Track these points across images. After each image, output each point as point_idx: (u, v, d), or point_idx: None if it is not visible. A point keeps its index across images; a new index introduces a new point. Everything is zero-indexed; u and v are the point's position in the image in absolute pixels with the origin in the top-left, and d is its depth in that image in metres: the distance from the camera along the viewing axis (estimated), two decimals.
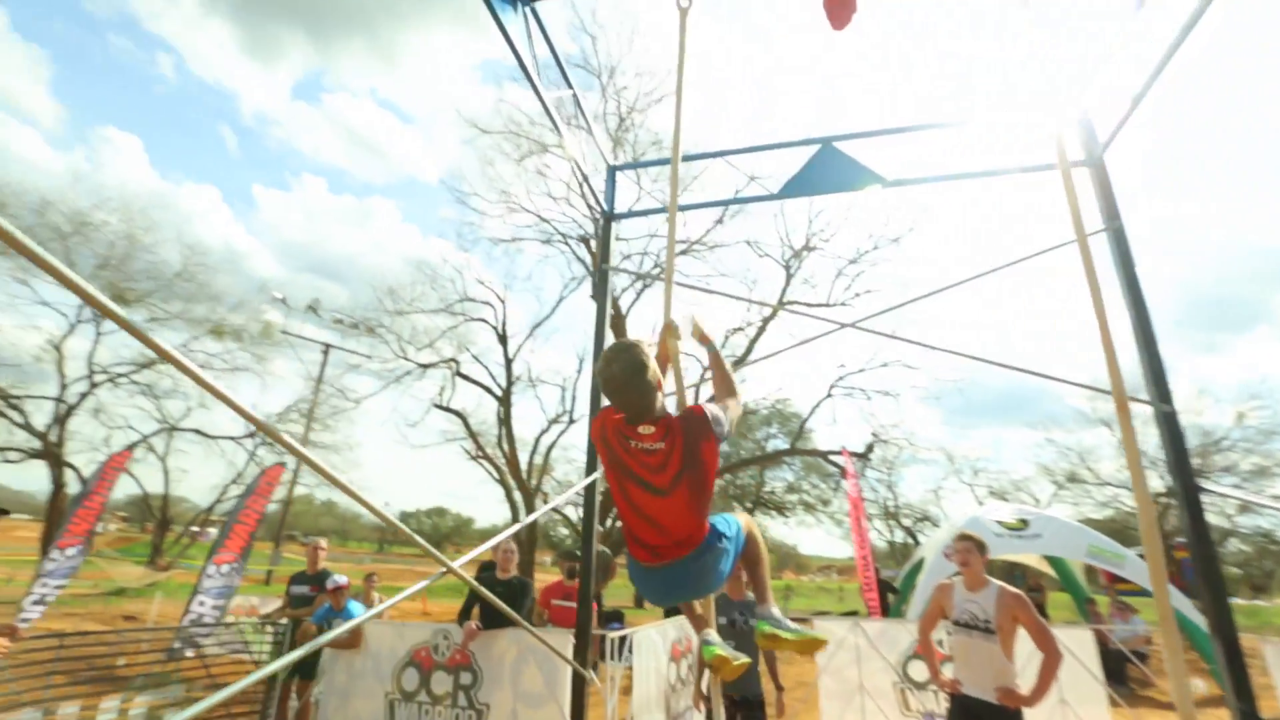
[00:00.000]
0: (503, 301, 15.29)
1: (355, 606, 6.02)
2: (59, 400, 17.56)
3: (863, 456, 13.79)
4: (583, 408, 16.36)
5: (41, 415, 17.50)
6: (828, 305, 12.98)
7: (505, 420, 15.16)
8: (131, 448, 13.63)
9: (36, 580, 8.90)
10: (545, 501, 19.93)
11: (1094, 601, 11.99)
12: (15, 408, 17.69)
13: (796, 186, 5.02)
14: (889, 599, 10.69)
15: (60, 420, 17.67)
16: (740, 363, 13.45)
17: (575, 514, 18.54)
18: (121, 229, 18.19)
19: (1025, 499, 21.13)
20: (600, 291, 5.20)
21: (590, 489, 4.50)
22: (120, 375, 19.03)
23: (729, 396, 2.30)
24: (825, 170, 4.95)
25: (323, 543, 6.86)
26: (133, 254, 18.40)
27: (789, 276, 12.90)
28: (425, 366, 15.66)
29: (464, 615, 5.21)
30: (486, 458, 16.50)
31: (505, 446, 15.22)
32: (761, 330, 13.07)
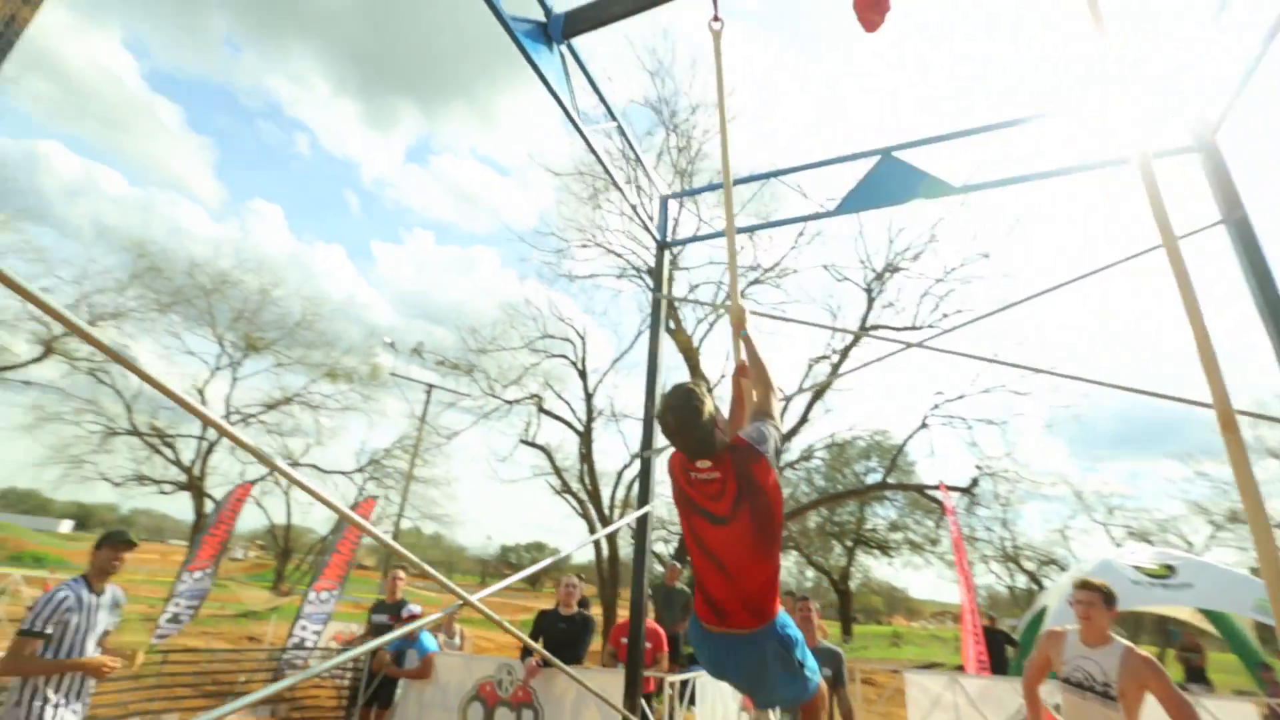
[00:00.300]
0: (582, 338, 15.68)
1: (427, 638, 6.15)
2: (201, 438, 19.86)
3: (966, 491, 12.53)
4: (661, 440, 16.21)
5: (188, 452, 19.88)
6: (914, 328, 12.11)
7: (586, 455, 15.32)
8: (254, 482, 15.09)
9: (170, 600, 9.90)
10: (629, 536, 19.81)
11: (1270, 668, 10.03)
12: (170, 445, 20.21)
13: (856, 201, 4.76)
14: (1007, 652, 9.50)
15: (202, 456, 19.94)
16: (822, 392, 12.85)
17: (665, 549, 18.23)
18: (254, 285, 20.63)
19: (1174, 541, 18.31)
20: (655, 320, 5.14)
21: (642, 521, 4.36)
22: (251, 415, 21.25)
23: (764, 389, 2.31)
24: (886, 182, 4.67)
25: (401, 573, 7.10)
26: (263, 306, 20.72)
27: (870, 300, 12.24)
28: (511, 403, 16.22)
29: (527, 650, 5.17)
30: (570, 492, 16.70)
31: (587, 481, 15.35)
32: (843, 357, 12.40)
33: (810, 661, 2.11)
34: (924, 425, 12.86)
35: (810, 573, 33.32)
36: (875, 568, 31.94)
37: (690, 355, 12.66)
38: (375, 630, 6.75)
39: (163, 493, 19.57)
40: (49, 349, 16.29)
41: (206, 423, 1.39)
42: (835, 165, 5.02)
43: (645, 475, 4.52)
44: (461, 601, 2.54)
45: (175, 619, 9.90)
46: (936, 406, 12.82)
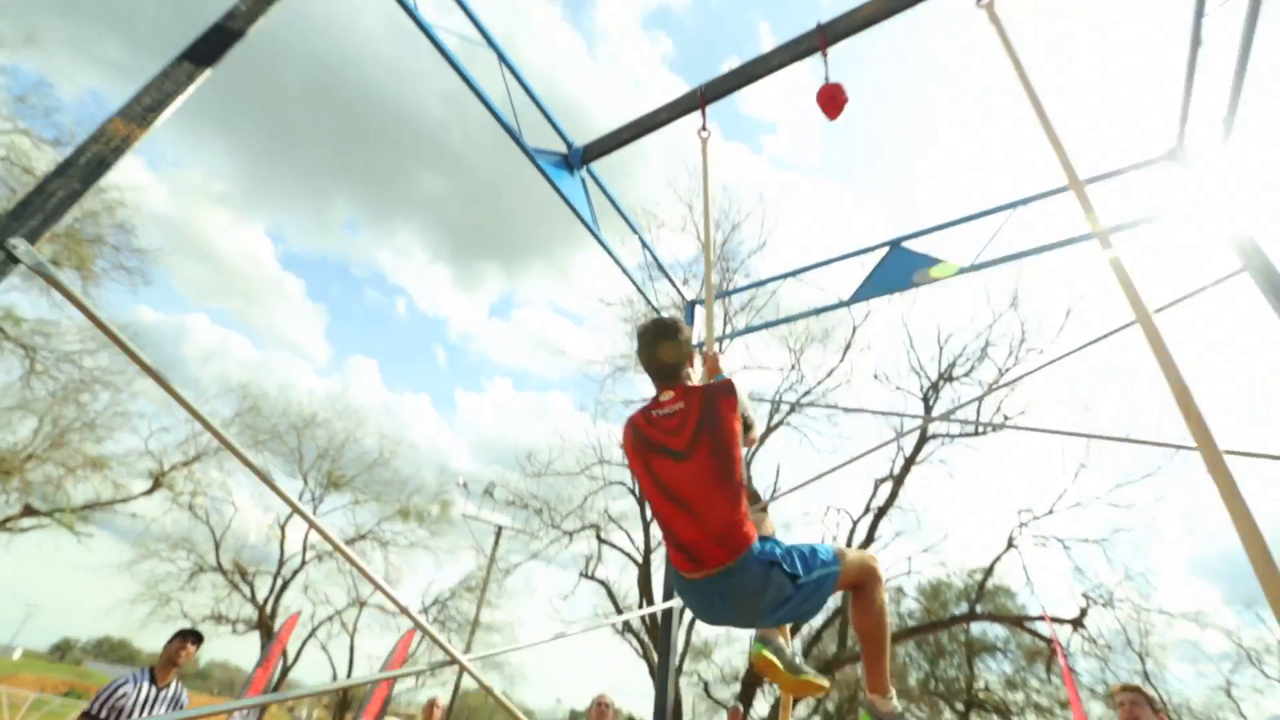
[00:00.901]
0: None
1: None
2: (276, 575, 20.46)
3: (1075, 624, 10.75)
4: None
5: (263, 589, 20.41)
6: (977, 434, 11.34)
7: (645, 586, 14.59)
8: (301, 618, 15.16)
9: None
10: (691, 679, 18.00)
11: None
12: (248, 582, 20.88)
13: (870, 289, 4.93)
14: None
15: (276, 594, 20.38)
16: (882, 513, 11.97)
17: (727, 692, 16.34)
18: (340, 426, 22.32)
19: None
20: None
21: (667, 615, 4.14)
22: (326, 553, 21.82)
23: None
24: (896, 270, 4.84)
25: (440, 700, 6.80)
26: (346, 445, 22.17)
27: (928, 408, 11.66)
28: (570, 533, 16.01)
29: None
30: (631, 632, 15.72)
31: (645, 619, 14.43)
32: (906, 469, 11.64)
33: (819, 553, 1.92)
34: (1011, 546, 11.56)
35: None
36: None
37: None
38: None
39: (235, 632, 19.89)
40: (157, 482, 17.89)
41: (240, 457, 1.63)
42: (849, 259, 5.26)
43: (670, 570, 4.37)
44: (451, 659, 2.51)
45: None
46: (1024, 525, 11.59)
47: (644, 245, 5.33)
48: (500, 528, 21.98)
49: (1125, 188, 4.26)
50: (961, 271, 4.51)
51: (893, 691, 2.02)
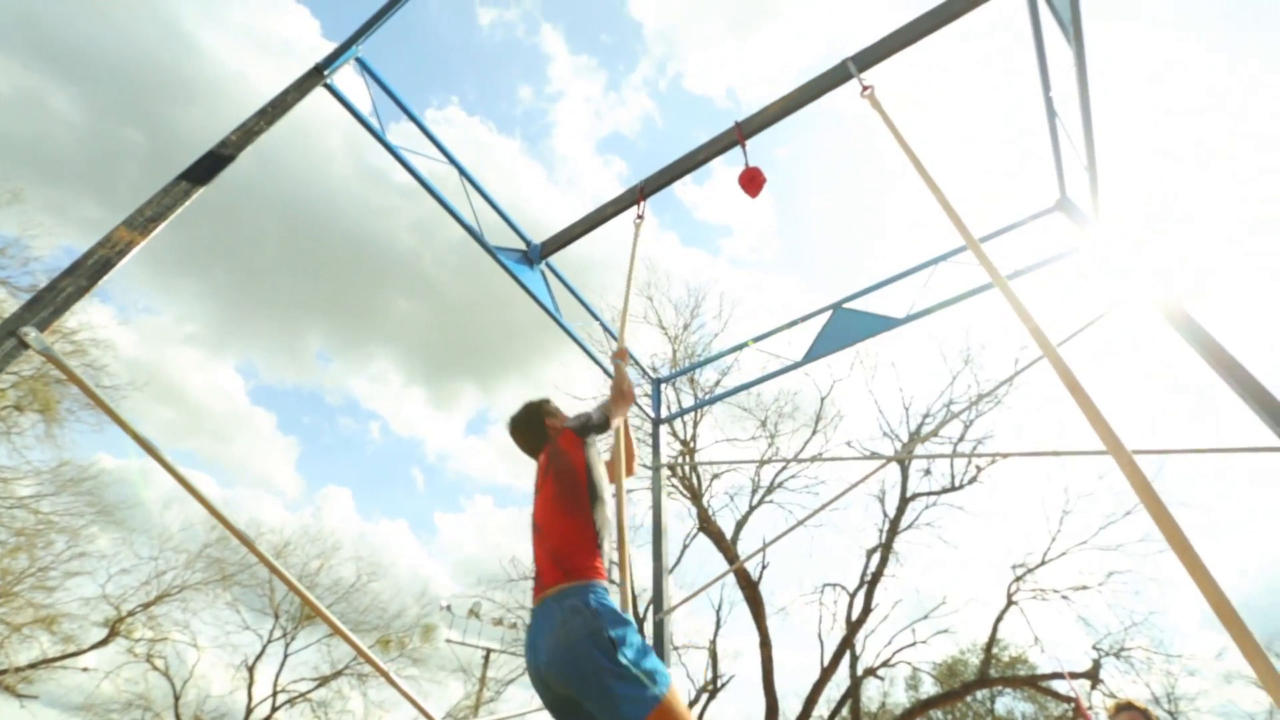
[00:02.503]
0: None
1: None
2: None
3: (1091, 678, 10.32)
4: (728, 667, 14.46)
5: None
6: (954, 489, 11.41)
7: None
8: None
9: None
10: None
11: None
12: None
13: (817, 349, 5.28)
14: None
15: None
16: (875, 581, 11.75)
17: None
18: (313, 551, 21.42)
19: None
20: (655, 489, 5.38)
21: None
22: (299, 695, 20.12)
23: (611, 404, 2.40)
24: (841, 329, 5.22)
25: None
26: (320, 572, 21.13)
27: (905, 471, 11.80)
28: None
29: None
30: None
31: None
32: (893, 533, 11.55)
33: (648, 664, 1.70)
34: (1011, 604, 11.30)
35: None
36: None
37: (722, 544, 12.07)
38: None
39: None
40: (114, 631, 16.61)
41: (265, 563, 1.78)
42: (799, 325, 5.64)
43: (660, 637, 4.33)
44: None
45: None
46: (1020, 579, 11.41)
47: (604, 329, 5.67)
48: (489, 650, 20.71)
49: (1030, 235, 4.79)
50: (898, 324, 4.91)
51: None
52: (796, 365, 5.38)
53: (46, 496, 15.93)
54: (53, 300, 1.84)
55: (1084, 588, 11.27)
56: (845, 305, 5.36)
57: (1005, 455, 4.04)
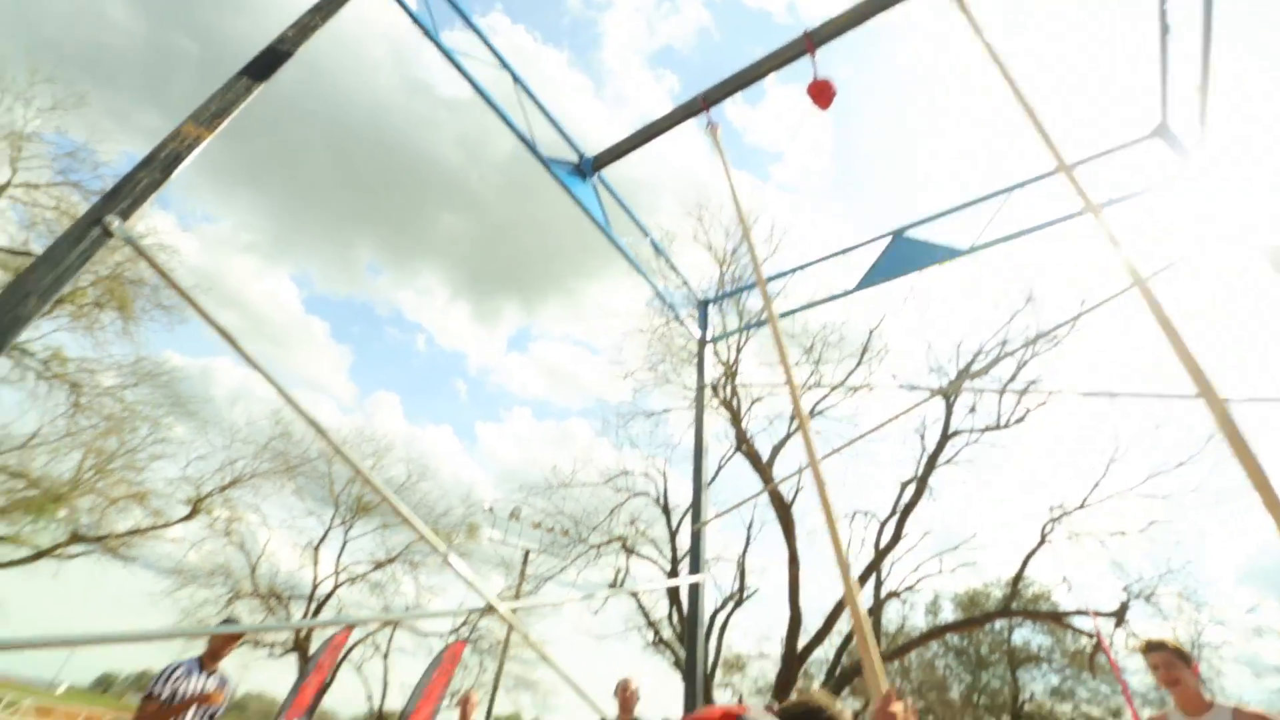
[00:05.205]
0: (663, 475, 15.75)
1: None
2: (310, 599, 20.80)
3: (1117, 619, 10.40)
4: (754, 581, 15.18)
5: (298, 611, 20.77)
6: (1000, 428, 11.19)
7: (674, 598, 14.57)
8: (352, 626, 15.39)
9: None
10: (725, 690, 17.77)
11: None
12: (285, 607, 21.26)
13: (873, 276, 5.10)
14: None
15: (309, 616, 20.69)
16: (908, 512, 11.85)
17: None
18: (368, 450, 22.88)
19: None
20: (699, 410, 5.44)
21: (695, 589, 4.27)
22: (359, 575, 22.18)
23: None
24: (899, 258, 5.01)
25: (475, 695, 6.94)
26: (374, 471, 22.64)
27: (949, 407, 11.61)
28: (597, 546, 16.11)
29: None
30: (664, 643, 15.67)
31: (675, 626, 14.42)
32: (930, 468, 11.51)
33: None
34: (1045, 541, 11.31)
35: None
36: None
37: (758, 466, 12.34)
38: None
39: (272, 655, 20.19)
40: (195, 508, 18.45)
41: (319, 433, 1.89)
42: (856, 250, 5.43)
43: (697, 546, 4.53)
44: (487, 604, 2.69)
45: None
46: (1056, 520, 11.35)
47: (655, 247, 5.58)
48: (528, 550, 22.12)
49: (1121, 164, 4.39)
50: (961, 254, 4.67)
51: None
52: (849, 292, 5.22)
53: (128, 387, 17.30)
54: (131, 191, 1.90)
55: (1122, 533, 11.15)
56: (906, 233, 5.12)
57: (1072, 393, 3.87)
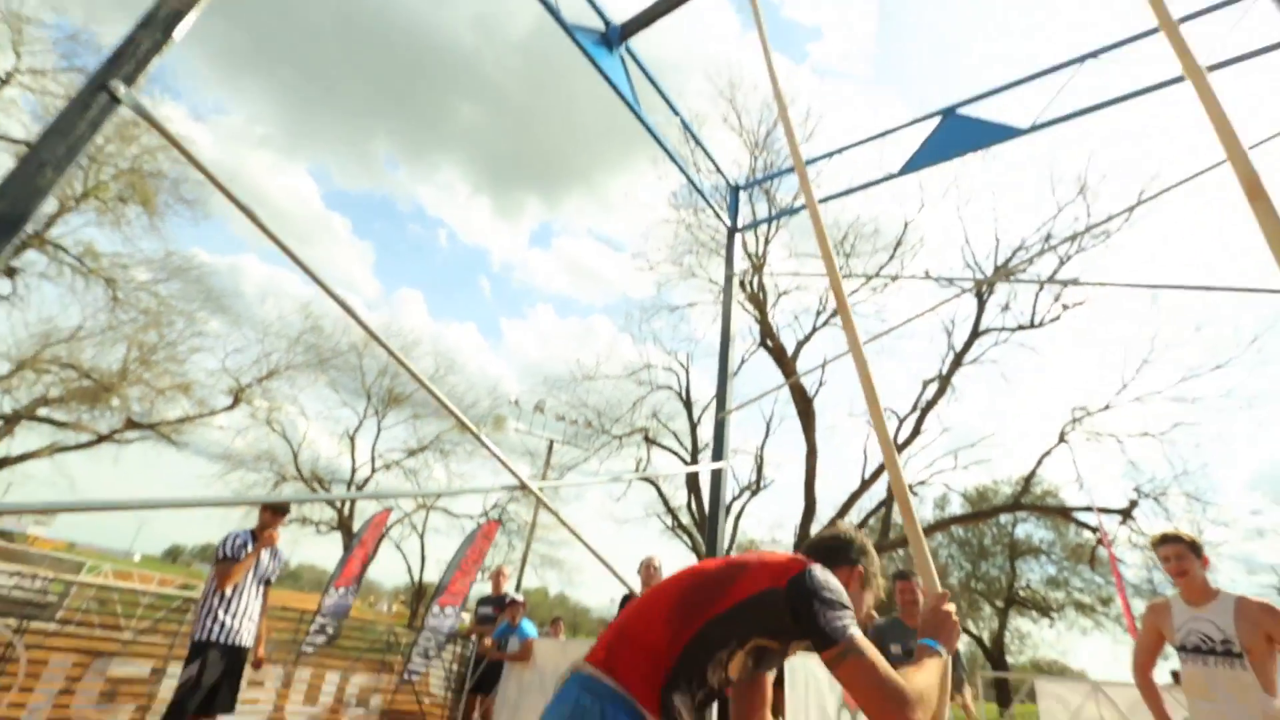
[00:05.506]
0: (685, 368, 15.96)
1: (529, 625, 6.41)
2: (350, 483, 22.29)
3: (1124, 515, 10.69)
4: (770, 472, 15.75)
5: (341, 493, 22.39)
6: (1033, 326, 10.95)
7: (694, 486, 15.25)
8: (389, 510, 16.59)
9: (316, 615, 11.02)
10: None
11: None
12: (326, 489, 22.83)
13: (920, 159, 4.76)
14: None
15: (352, 501, 22.27)
16: (928, 409, 11.94)
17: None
18: (396, 345, 23.49)
19: None
20: (727, 298, 5.34)
21: (717, 475, 4.40)
22: (394, 462, 23.52)
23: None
24: (949, 138, 4.65)
25: (506, 569, 7.51)
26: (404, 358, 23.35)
27: (982, 304, 11.31)
28: (620, 437, 16.71)
29: None
30: (682, 528, 16.62)
31: (694, 513, 15.22)
32: (956, 365, 11.45)
33: None
34: (1063, 440, 11.41)
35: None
36: (1034, 632, 27.70)
37: (782, 360, 12.40)
38: (481, 621, 7.15)
39: (319, 532, 21.99)
40: (237, 398, 19.41)
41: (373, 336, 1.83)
42: (901, 131, 5.05)
43: (720, 434, 4.60)
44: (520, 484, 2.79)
45: (322, 630, 10.95)
46: (1078, 421, 11.38)
47: (684, 126, 5.23)
48: (552, 441, 22.99)
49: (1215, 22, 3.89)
50: (1020, 134, 4.30)
51: None
52: (893, 176, 4.90)
53: (161, 282, 17.63)
54: (133, 54, 1.77)
55: (1146, 434, 11.15)
56: (958, 111, 4.70)
57: (1119, 286, 3.66)
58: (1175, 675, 5.51)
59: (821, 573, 1.47)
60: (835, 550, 1.73)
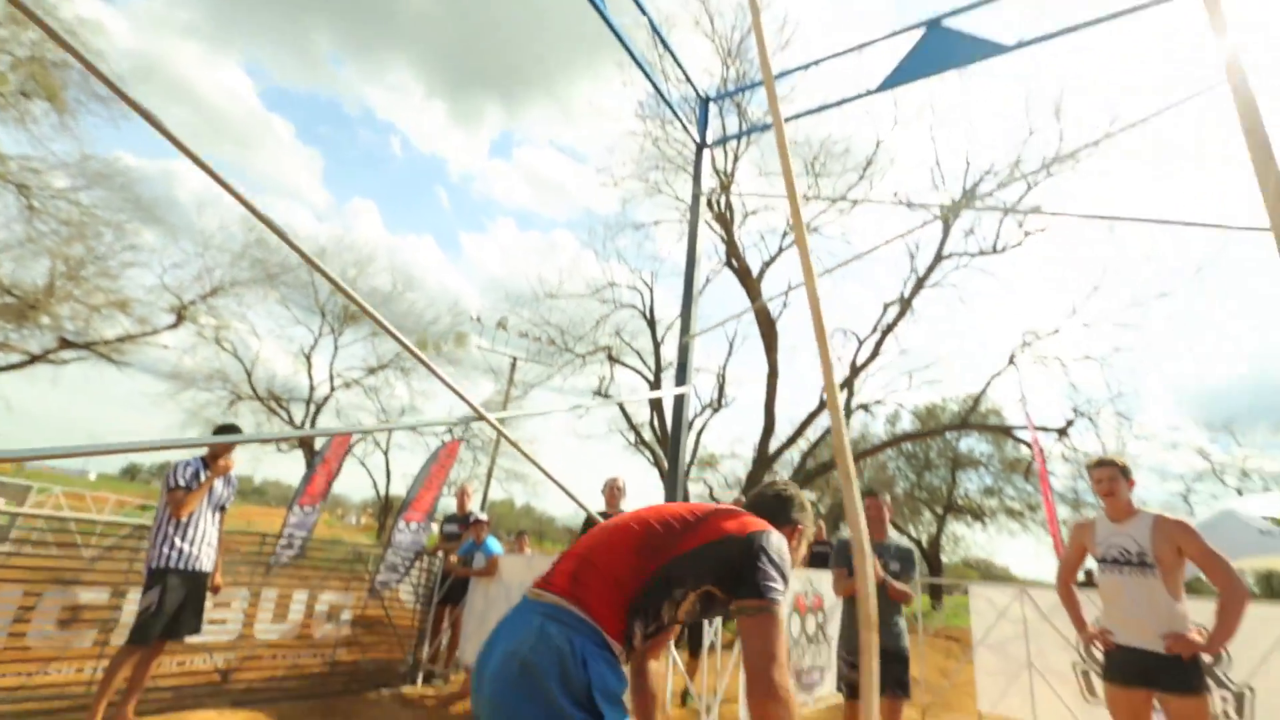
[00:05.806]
0: (649, 287, 15.82)
1: (493, 542, 6.57)
2: (309, 402, 21.94)
3: (1060, 433, 11.48)
4: (732, 391, 16.07)
5: (299, 414, 22.02)
6: (995, 252, 11.15)
7: (657, 404, 15.50)
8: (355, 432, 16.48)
9: (282, 531, 11.10)
10: (698, 485, 19.91)
11: None
12: (285, 409, 22.44)
13: (901, 75, 4.53)
14: None
15: (312, 419, 22.00)
16: (888, 332, 12.21)
17: (728, 499, 18.23)
18: (350, 259, 22.45)
19: None
20: (694, 217, 5.17)
21: (679, 400, 4.42)
22: (353, 380, 23.13)
23: None
24: (932, 53, 4.41)
25: (470, 487, 7.60)
26: (357, 280, 22.39)
27: (947, 228, 11.36)
28: (583, 355, 16.69)
29: None
30: (644, 444, 17.05)
31: (656, 430, 15.60)
32: (917, 289, 11.68)
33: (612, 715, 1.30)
34: (1011, 363, 11.96)
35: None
36: (967, 535, 30.20)
37: (747, 281, 12.38)
38: (447, 539, 7.31)
39: (280, 450, 21.80)
40: (180, 317, 18.47)
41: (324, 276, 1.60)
42: (882, 43, 4.78)
43: (684, 358, 4.58)
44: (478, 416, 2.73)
45: (290, 544, 11.06)
46: (1027, 344, 11.87)
47: (653, 29, 4.83)
48: (515, 358, 22.83)
49: None
50: (1007, 50, 4.10)
51: None
52: (871, 93, 4.67)
53: (81, 190, 16.13)
54: None
55: (1088, 358, 11.71)
56: (943, 23, 4.44)
57: (1079, 216, 3.64)
58: (1089, 574, 6.02)
59: (779, 541, 1.61)
60: (778, 509, 1.83)
